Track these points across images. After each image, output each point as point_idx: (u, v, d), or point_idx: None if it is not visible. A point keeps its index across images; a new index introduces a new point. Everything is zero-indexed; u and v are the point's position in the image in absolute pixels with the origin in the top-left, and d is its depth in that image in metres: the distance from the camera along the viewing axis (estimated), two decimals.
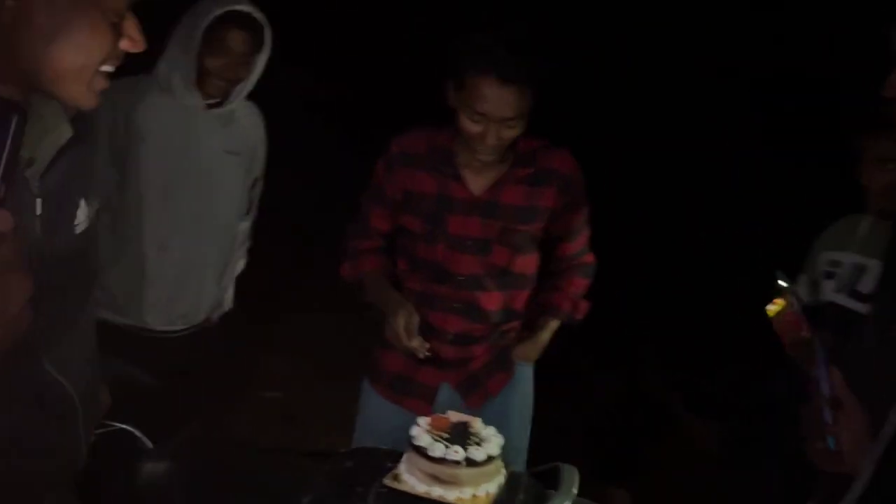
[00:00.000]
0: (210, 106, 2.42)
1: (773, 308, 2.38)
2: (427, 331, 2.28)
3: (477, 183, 2.26)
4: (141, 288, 2.41)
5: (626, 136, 6.49)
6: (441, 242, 2.28)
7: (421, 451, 1.82)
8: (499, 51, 2.05)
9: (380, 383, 2.42)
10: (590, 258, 2.50)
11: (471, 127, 2.12)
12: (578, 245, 2.44)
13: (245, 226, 2.65)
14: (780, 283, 2.36)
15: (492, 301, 2.33)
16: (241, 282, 4.29)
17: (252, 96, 2.53)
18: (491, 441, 1.87)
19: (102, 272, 2.37)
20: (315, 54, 7.38)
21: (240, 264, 2.71)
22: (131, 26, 1.20)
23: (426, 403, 2.33)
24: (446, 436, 1.86)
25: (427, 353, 2.19)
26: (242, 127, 2.52)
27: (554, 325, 2.41)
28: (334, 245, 2.47)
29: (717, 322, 4.50)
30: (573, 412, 3.81)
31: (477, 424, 1.93)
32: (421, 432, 1.87)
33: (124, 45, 1.19)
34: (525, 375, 2.45)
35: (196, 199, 2.43)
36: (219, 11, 2.29)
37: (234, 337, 4.39)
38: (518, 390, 2.44)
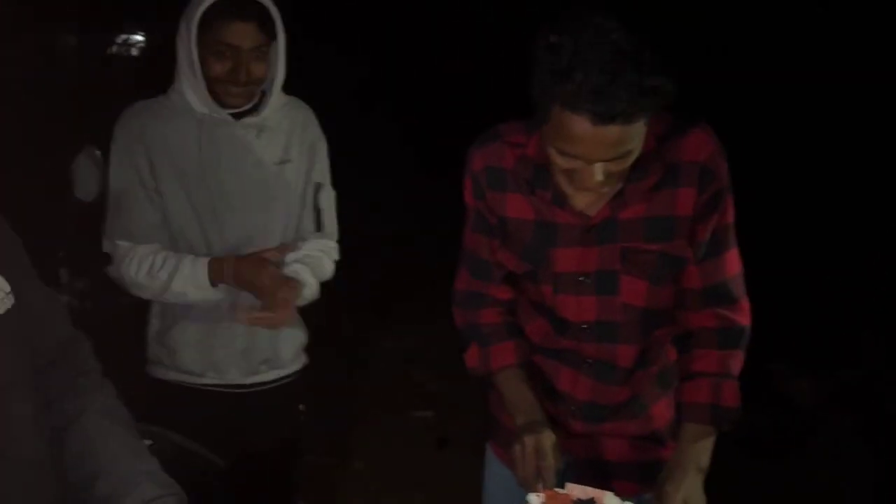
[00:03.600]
0: (241, 115, 2.01)
1: None
2: (551, 395, 1.76)
3: (586, 201, 1.61)
4: (208, 338, 2.06)
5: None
6: (547, 283, 1.69)
7: None
8: (590, 76, 1.36)
9: (501, 446, 1.87)
10: (735, 312, 1.68)
11: (561, 163, 1.49)
12: (712, 272, 1.67)
13: (321, 245, 2.14)
14: None
15: (630, 356, 1.71)
16: (384, 294, 3.97)
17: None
18: None
19: (159, 330, 2.08)
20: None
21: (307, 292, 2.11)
22: None
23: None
24: None
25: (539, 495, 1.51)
26: (289, 129, 2.08)
27: (697, 433, 1.62)
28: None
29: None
30: None
31: (607, 500, 1.44)
32: None
33: None
34: None
35: (247, 225, 2.03)
36: (208, 2, 1.86)
37: (375, 352, 4.16)
38: None
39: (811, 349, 3.87)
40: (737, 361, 1.67)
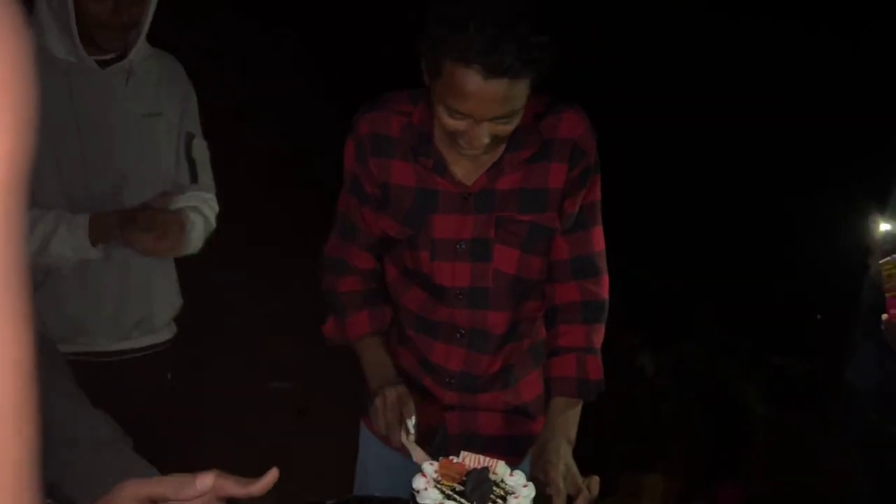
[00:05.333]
0: (106, 63, 1.93)
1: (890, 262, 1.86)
2: (426, 367, 1.82)
3: (466, 170, 1.69)
4: (77, 300, 1.93)
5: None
6: (425, 250, 1.74)
7: None
8: (484, 29, 1.43)
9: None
10: (597, 286, 1.78)
11: (449, 123, 1.56)
12: (579, 245, 1.75)
13: (200, 198, 2.06)
14: (886, 227, 1.88)
15: (501, 323, 1.78)
16: (245, 261, 3.86)
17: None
18: (519, 493, 1.42)
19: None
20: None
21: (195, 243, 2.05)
22: None
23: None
24: (460, 488, 1.41)
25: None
26: (157, 80, 2.02)
27: (565, 406, 1.70)
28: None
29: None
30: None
31: (500, 469, 1.48)
32: (427, 485, 1.42)
33: None
34: None
35: (114, 181, 1.94)
36: None
37: (236, 321, 4.06)
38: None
39: (655, 325, 4.09)
40: (599, 336, 1.78)
